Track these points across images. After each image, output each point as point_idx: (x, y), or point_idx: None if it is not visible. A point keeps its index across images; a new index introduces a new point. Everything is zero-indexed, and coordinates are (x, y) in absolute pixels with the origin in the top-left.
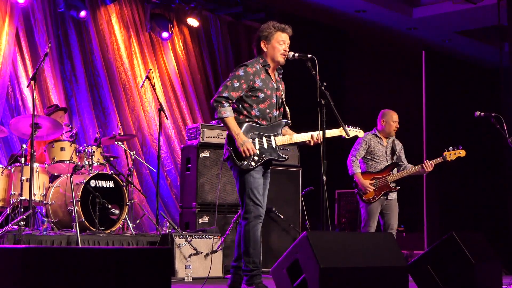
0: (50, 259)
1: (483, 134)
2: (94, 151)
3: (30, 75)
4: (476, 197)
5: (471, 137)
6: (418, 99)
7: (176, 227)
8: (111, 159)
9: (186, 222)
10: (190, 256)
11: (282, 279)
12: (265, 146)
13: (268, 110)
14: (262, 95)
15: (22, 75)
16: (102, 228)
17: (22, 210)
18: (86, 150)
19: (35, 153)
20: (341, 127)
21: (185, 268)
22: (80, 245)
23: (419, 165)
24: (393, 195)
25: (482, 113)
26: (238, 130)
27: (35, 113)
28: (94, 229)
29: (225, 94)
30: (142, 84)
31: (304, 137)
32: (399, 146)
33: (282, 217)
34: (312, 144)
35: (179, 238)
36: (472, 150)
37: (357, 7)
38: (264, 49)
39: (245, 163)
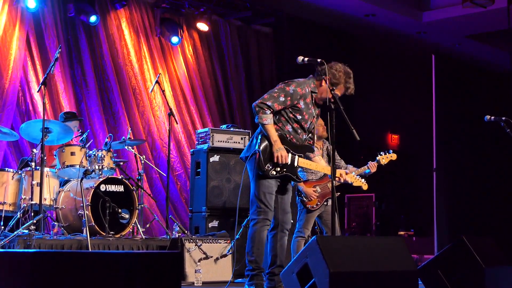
0: (60, 264)
1: (493, 138)
2: (104, 156)
3: (41, 80)
4: (486, 201)
5: (481, 141)
6: (428, 103)
7: (186, 231)
8: (121, 163)
9: (196, 226)
10: (200, 260)
11: (292, 283)
12: (288, 161)
13: (299, 131)
14: (300, 116)
15: (33, 80)
16: (112, 233)
17: (32, 214)
18: (96, 154)
19: (45, 158)
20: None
21: (195, 272)
22: (90, 250)
23: (365, 166)
24: (329, 201)
25: (492, 117)
26: (276, 138)
27: (45, 118)
28: (104, 234)
29: (269, 103)
30: (152, 89)
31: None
32: (330, 147)
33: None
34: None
35: (189, 242)
36: (482, 154)
37: (367, 11)
38: (323, 84)
39: (267, 170)
